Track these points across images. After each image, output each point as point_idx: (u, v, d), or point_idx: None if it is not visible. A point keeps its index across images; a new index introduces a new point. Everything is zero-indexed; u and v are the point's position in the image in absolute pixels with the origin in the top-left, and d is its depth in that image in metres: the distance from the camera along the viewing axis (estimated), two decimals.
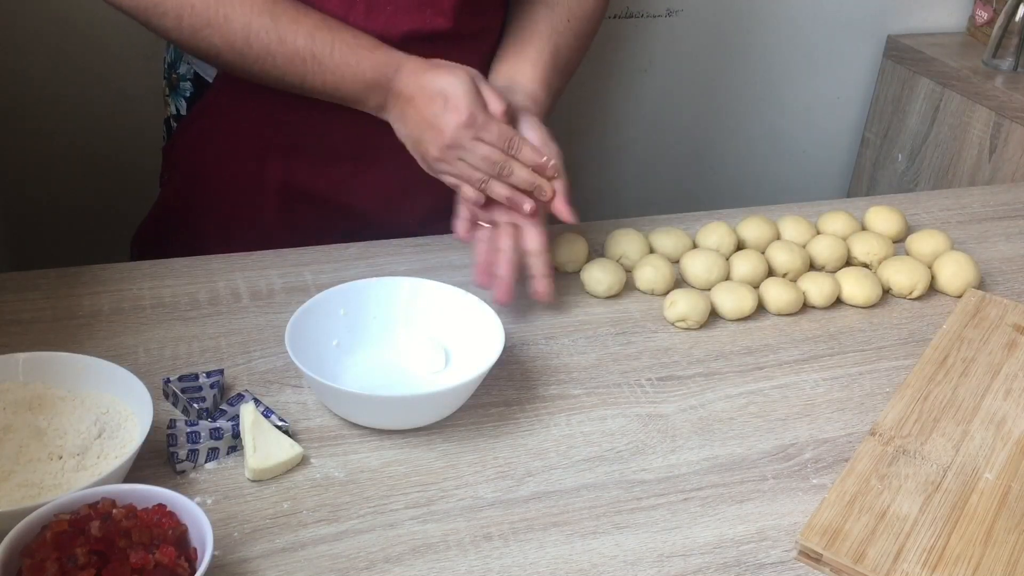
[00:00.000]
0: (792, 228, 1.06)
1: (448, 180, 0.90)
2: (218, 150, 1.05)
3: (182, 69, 1.06)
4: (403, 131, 0.91)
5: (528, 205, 0.88)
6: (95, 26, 1.42)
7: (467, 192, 0.89)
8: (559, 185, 0.91)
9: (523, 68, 0.99)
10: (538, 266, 0.90)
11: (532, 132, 0.91)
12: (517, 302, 0.94)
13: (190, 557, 0.59)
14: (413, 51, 0.92)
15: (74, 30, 1.42)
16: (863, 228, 1.10)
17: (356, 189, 1.06)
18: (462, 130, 0.86)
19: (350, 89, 0.90)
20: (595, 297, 0.96)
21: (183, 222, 1.10)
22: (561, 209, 0.91)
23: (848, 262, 1.04)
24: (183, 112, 1.08)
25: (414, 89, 0.88)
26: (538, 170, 0.89)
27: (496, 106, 0.88)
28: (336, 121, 0.99)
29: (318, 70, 0.89)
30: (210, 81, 1.03)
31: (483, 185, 0.88)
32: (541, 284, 0.90)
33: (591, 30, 1.07)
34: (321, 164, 1.04)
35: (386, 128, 0.94)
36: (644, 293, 0.97)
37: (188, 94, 1.07)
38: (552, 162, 0.89)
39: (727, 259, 1.00)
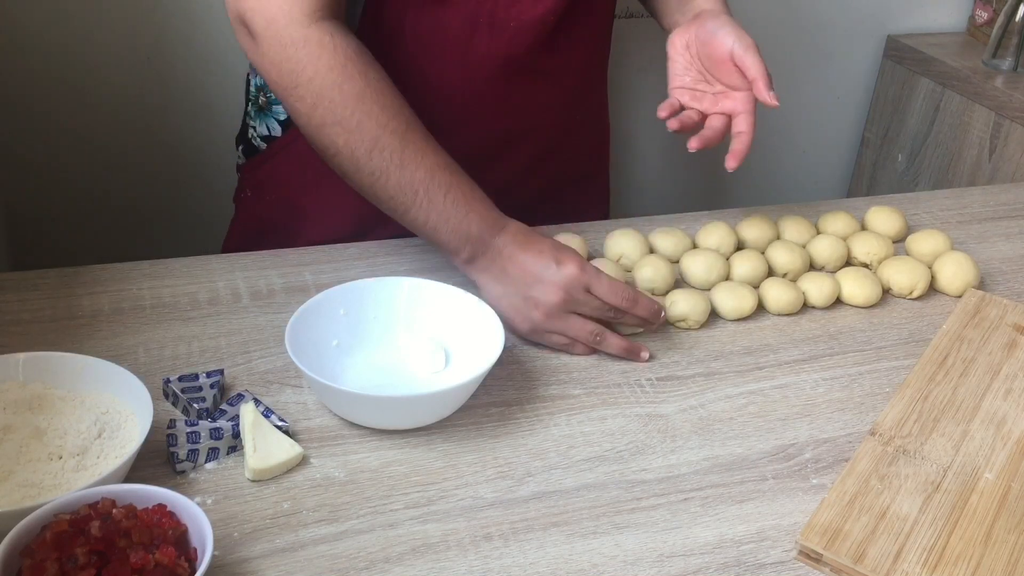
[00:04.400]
0: (792, 228, 1.06)
1: (555, 340, 0.87)
2: (306, 179, 1.07)
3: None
4: (498, 289, 0.87)
5: (645, 354, 0.87)
6: (96, 28, 1.42)
7: (579, 350, 0.87)
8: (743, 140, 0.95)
9: None
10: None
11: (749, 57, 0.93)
12: None
13: (190, 557, 0.59)
14: (535, 66, 0.99)
15: (75, 32, 1.42)
16: (863, 228, 1.10)
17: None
18: (576, 281, 0.84)
19: (449, 235, 0.87)
20: None
21: (269, 242, 1.08)
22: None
23: (848, 262, 1.04)
24: (275, 133, 1.09)
25: (519, 246, 0.86)
26: (652, 317, 0.87)
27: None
28: (447, 135, 0.96)
29: (426, 206, 0.86)
30: None
31: (598, 339, 0.86)
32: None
33: None
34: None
35: (464, 163, 0.92)
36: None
37: (283, 117, 1.08)
38: (664, 313, 0.88)
39: (727, 259, 1.00)
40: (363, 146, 0.85)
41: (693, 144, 0.95)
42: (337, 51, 0.85)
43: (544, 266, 0.85)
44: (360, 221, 1.06)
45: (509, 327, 0.86)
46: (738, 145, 0.96)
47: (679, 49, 1.01)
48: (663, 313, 0.87)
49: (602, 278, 0.85)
